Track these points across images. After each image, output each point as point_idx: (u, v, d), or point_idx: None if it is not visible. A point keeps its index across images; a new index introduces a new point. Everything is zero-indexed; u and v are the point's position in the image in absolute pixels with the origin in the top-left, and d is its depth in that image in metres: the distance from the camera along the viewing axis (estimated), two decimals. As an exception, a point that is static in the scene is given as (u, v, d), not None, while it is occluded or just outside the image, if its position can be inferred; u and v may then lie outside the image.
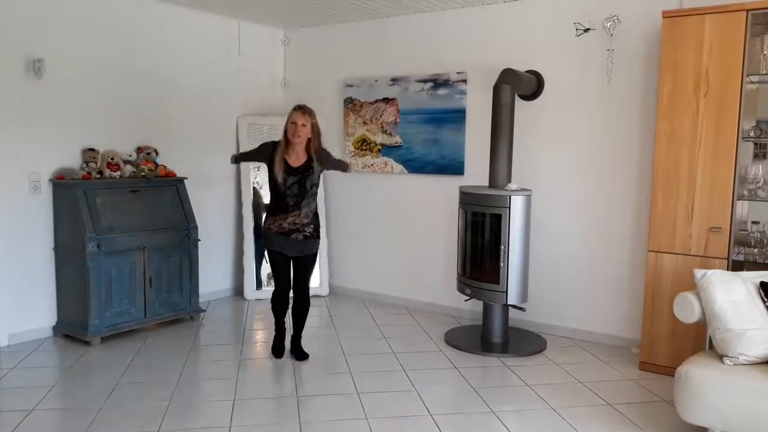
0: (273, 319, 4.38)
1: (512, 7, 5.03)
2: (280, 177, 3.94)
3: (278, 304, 4.27)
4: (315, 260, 4.28)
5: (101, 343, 4.57)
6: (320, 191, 6.08)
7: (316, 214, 4.14)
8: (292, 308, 4.29)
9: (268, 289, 5.56)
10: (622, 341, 4.68)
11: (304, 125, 3.91)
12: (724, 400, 2.93)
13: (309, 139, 3.97)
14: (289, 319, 4.37)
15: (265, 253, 4.23)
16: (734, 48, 3.75)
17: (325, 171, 4.27)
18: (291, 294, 4.26)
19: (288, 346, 4.38)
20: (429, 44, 5.50)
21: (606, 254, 4.73)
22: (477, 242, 4.70)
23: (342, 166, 4.40)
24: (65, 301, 4.71)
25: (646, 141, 4.46)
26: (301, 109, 3.97)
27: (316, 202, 4.16)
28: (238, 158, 4.59)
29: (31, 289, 4.63)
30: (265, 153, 4.07)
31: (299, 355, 4.31)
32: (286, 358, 4.31)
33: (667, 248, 4.05)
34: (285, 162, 3.96)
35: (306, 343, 4.62)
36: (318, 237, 4.17)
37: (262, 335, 4.92)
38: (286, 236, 4.03)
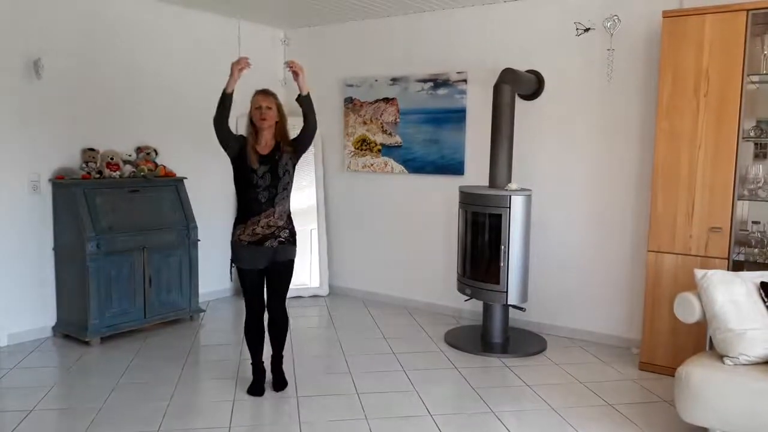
0: (249, 351, 3.82)
1: (513, 7, 5.03)
2: (255, 164, 3.57)
3: (253, 334, 3.75)
4: (291, 271, 3.77)
5: (101, 343, 4.57)
6: (320, 192, 6.11)
7: (290, 218, 3.74)
8: (268, 327, 3.81)
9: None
10: (622, 341, 4.67)
11: (269, 107, 3.62)
12: (724, 401, 2.93)
13: (277, 123, 3.69)
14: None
15: (232, 269, 3.73)
16: (734, 48, 3.74)
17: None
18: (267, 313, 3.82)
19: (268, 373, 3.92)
20: (429, 44, 5.49)
21: (606, 254, 4.73)
22: (477, 242, 4.70)
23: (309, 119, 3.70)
24: (65, 301, 4.71)
25: (646, 141, 4.46)
26: (263, 91, 3.70)
27: (290, 204, 3.76)
28: (224, 105, 3.80)
29: (30, 289, 4.62)
30: (237, 141, 3.69)
31: (278, 382, 3.83)
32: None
33: (668, 248, 4.05)
34: (255, 151, 3.63)
35: (306, 343, 4.63)
36: (294, 244, 3.73)
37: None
38: (259, 245, 3.59)
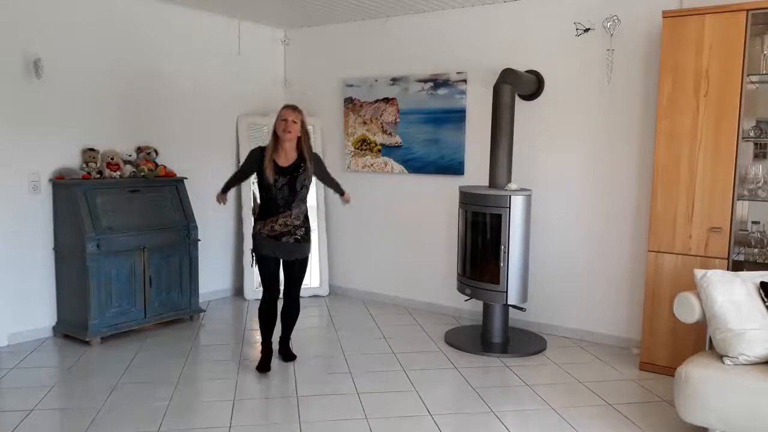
0: (260, 331, 4.16)
1: (512, 7, 5.03)
2: (270, 178, 3.88)
3: (266, 315, 4.10)
4: (306, 265, 4.17)
5: (101, 343, 4.57)
6: (320, 192, 6.11)
7: (306, 217, 4.08)
8: (282, 312, 4.21)
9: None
10: (622, 341, 4.68)
11: (294, 122, 3.87)
12: (724, 401, 2.93)
13: (299, 138, 3.94)
14: (278, 323, 4.25)
15: (252, 257, 4.08)
16: (734, 48, 3.74)
17: (322, 184, 4.36)
18: (280, 303, 4.17)
19: (276, 348, 4.30)
20: (429, 44, 5.49)
21: (606, 254, 4.73)
22: (477, 242, 4.70)
23: (338, 189, 4.35)
24: (65, 301, 4.71)
25: (646, 141, 4.46)
26: (291, 106, 3.97)
27: (307, 205, 4.10)
28: (227, 186, 4.27)
29: (31, 289, 4.63)
30: (255, 158, 3.99)
31: (286, 356, 4.27)
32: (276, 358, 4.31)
33: (667, 248, 4.05)
34: (274, 162, 3.91)
35: (306, 343, 4.64)
36: (309, 241, 4.10)
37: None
38: (277, 239, 3.95)
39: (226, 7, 5.53)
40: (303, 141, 3.96)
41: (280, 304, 4.18)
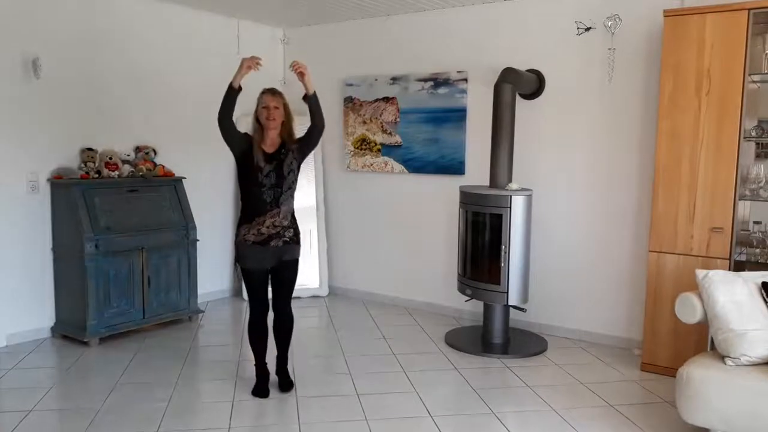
0: (252, 352, 3.82)
1: (513, 6, 5.02)
2: (261, 161, 3.54)
3: (257, 333, 3.75)
4: (296, 271, 3.75)
5: (99, 343, 4.55)
6: (320, 192, 6.10)
7: (294, 217, 3.72)
8: (273, 329, 3.81)
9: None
10: (623, 342, 4.66)
11: (276, 107, 3.60)
12: (725, 401, 2.92)
13: (283, 123, 3.64)
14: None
15: (236, 268, 3.61)
16: (736, 47, 3.73)
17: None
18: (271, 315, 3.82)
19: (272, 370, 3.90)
20: (429, 43, 5.48)
21: (607, 254, 4.72)
22: (477, 242, 4.68)
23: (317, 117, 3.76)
24: (63, 302, 4.69)
25: (647, 140, 4.44)
26: (271, 91, 3.68)
27: (293, 202, 3.72)
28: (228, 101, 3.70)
29: (29, 289, 4.61)
30: (243, 140, 3.63)
31: (284, 383, 3.81)
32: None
33: (669, 248, 4.03)
34: (261, 150, 3.59)
35: (306, 343, 4.62)
36: (299, 243, 3.71)
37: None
38: (264, 245, 3.57)
39: (226, 7, 5.51)
40: (285, 125, 3.64)
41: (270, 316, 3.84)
